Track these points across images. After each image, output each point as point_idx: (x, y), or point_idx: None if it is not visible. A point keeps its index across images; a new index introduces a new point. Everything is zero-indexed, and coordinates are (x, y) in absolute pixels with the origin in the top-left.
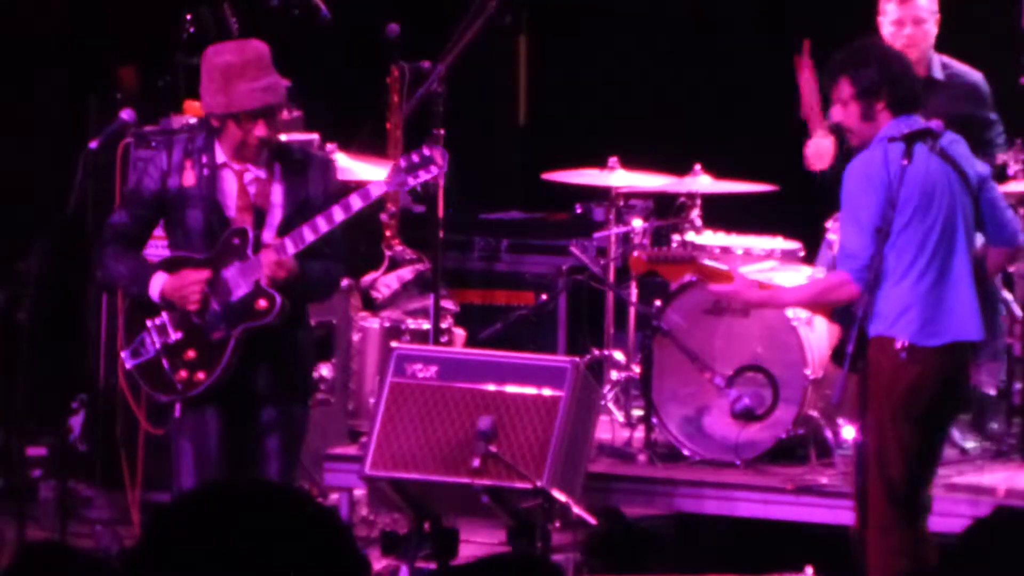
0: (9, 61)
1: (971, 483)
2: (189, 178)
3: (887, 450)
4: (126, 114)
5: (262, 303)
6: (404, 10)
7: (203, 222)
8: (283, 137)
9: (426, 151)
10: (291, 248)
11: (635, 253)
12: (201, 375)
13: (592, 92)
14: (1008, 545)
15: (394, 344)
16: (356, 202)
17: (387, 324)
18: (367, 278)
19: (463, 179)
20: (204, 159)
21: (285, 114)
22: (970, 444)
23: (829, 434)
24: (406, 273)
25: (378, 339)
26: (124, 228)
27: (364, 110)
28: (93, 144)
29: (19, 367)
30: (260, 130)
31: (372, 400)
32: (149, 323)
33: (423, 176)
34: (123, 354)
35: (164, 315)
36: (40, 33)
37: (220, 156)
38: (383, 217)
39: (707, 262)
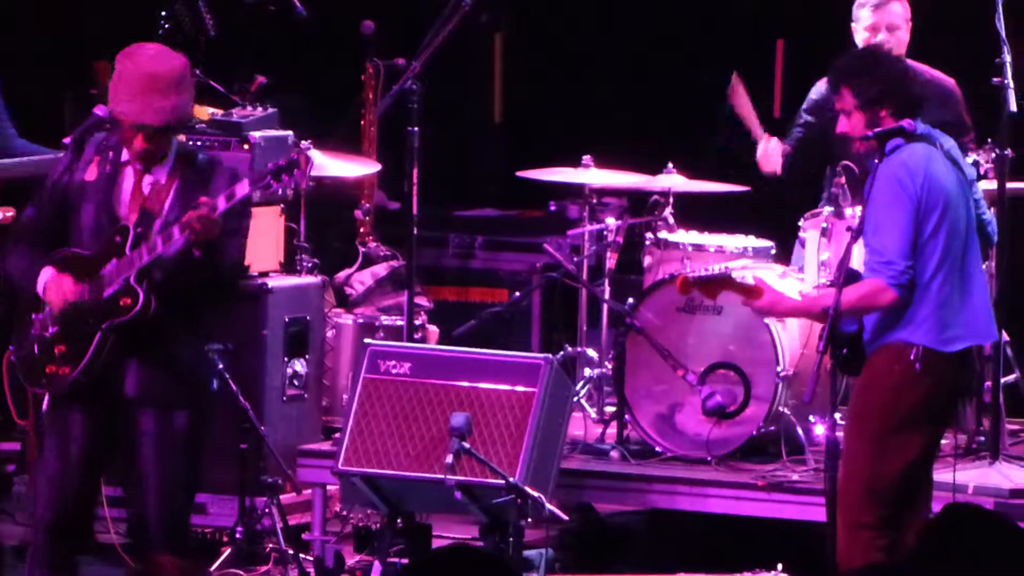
0: None
1: (945, 481)
2: (91, 173)
3: (884, 455)
4: (100, 110)
5: (126, 300)
6: (379, 7)
7: (94, 218)
8: (260, 135)
9: (294, 155)
10: (160, 247)
11: (682, 274)
12: (65, 370)
13: (567, 90)
14: (958, 541)
15: (368, 341)
16: (221, 203)
17: (361, 321)
18: (341, 275)
19: (437, 176)
20: (111, 156)
21: (260, 111)
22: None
23: (800, 431)
24: (380, 270)
25: (352, 335)
26: (30, 222)
27: (339, 107)
28: (67, 140)
29: None
30: (138, 143)
31: (346, 396)
32: (34, 316)
33: (287, 181)
34: (11, 347)
35: (46, 309)
36: (17, 30)
37: (126, 155)
38: (357, 214)
39: (737, 278)
